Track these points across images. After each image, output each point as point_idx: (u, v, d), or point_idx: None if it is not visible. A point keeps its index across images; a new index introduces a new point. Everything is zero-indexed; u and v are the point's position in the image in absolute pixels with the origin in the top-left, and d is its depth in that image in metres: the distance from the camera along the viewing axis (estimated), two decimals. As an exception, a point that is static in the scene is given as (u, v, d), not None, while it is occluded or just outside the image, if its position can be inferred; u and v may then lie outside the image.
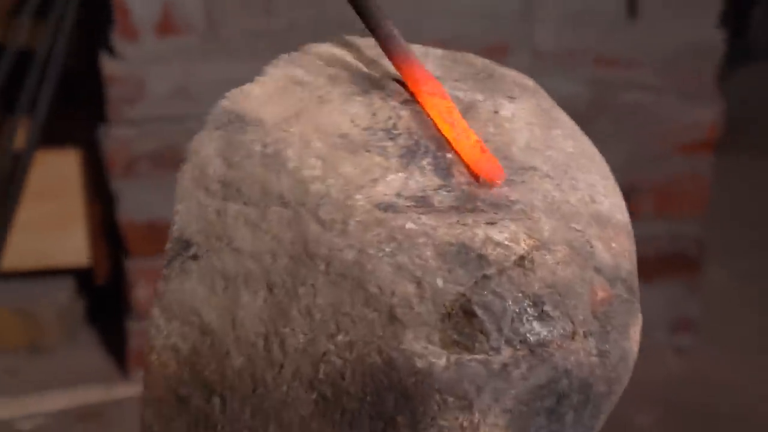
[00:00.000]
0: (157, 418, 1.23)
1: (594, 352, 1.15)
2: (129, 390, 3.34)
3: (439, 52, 1.41)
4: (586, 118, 3.01)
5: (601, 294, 1.17)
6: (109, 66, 3.19)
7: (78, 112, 3.39)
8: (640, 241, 3.47)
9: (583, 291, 1.16)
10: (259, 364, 1.17)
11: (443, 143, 1.24)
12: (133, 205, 3.28)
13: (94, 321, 3.62)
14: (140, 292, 3.34)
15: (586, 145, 1.33)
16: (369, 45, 1.38)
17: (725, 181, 3.63)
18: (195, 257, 1.22)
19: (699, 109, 3.41)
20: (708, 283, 3.63)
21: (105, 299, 3.58)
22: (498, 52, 3.17)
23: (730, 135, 3.56)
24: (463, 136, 1.23)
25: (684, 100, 3.40)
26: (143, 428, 1.25)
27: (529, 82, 1.39)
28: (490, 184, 1.20)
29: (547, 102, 1.37)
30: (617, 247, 1.23)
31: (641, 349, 3.22)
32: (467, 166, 1.22)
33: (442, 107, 1.26)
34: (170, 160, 3.24)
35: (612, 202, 1.28)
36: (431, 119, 1.26)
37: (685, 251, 3.52)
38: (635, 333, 1.21)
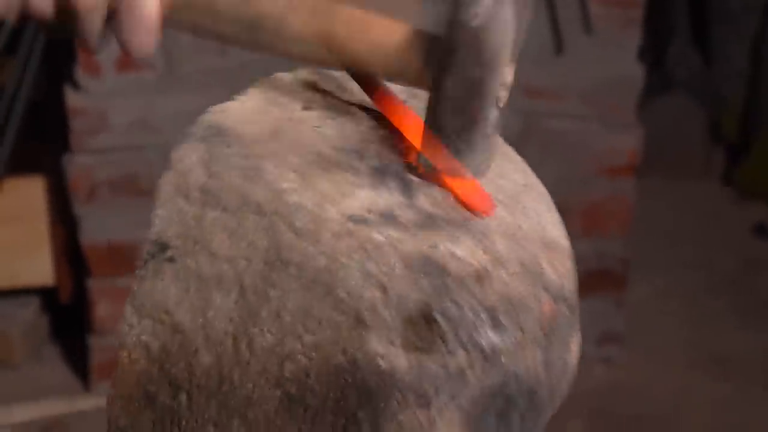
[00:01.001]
0: (125, 413, 1.23)
1: (540, 361, 1.20)
2: (91, 402, 3.22)
3: (396, 87, 1.37)
4: (518, 144, 3.09)
5: (547, 310, 1.21)
6: (72, 99, 3.23)
7: (43, 142, 3.40)
8: None
9: (533, 305, 1.20)
10: (227, 362, 1.19)
11: (409, 167, 1.26)
12: (95, 228, 3.30)
13: (58, 337, 3.62)
14: (102, 310, 3.34)
15: (533, 179, 1.36)
16: (336, 76, 1.38)
17: (646, 202, 3.67)
18: (171, 259, 1.22)
19: (620, 136, 3.47)
20: (632, 298, 3.67)
21: (68, 317, 3.57)
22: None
23: (649, 159, 3.61)
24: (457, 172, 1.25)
25: (607, 127, 3.45)
26: (110, 423, 1.25)
27: None
28: (482, 216, 1.23)
29: (498, 139, 1.34)
30: (562, 269, 1.27)
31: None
32: (460, 200, 1.24)
33: (432, 145, 1.26)
34: (130, 187, 3.27)
35: (558, 231, 1.31)
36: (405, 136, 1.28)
37: (611, 268, 3.55)
38: (575, 348, 1.25)
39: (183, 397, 1.20)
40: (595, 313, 3.57)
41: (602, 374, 3.59)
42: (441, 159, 1.25)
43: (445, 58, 1.18)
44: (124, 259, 3.34)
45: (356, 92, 1.36)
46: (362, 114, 1.33)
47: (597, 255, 3.55)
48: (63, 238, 3.47)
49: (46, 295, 3.60)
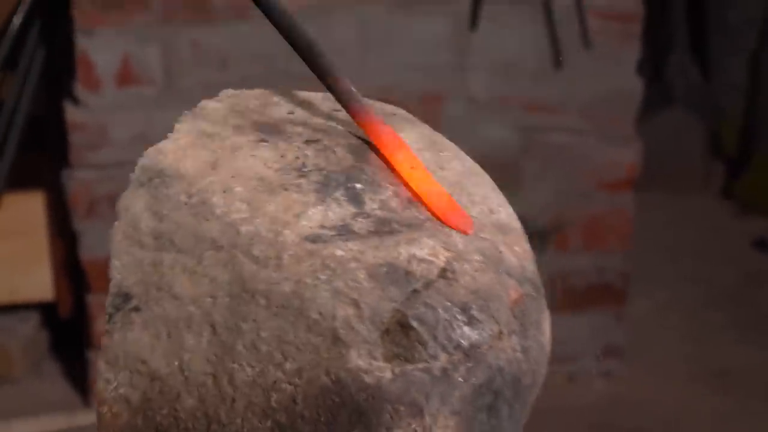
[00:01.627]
0: None
1: (518, 348, 1.22)
2: (91, 418, 3.27)
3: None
4: (517, 159, 3.09)
5: (514, 295, 1.23)
6: (72, 114, 3.24)
7: (43, 157, 3.41)
8: (569, 273, 3.57)
9: (502, 293, 1.21)
10: (211, 402, 1.18)
11: (353, 174, 1.27)
12: (95, 243, 3.28)
13: (58, 352, 3.62)
14: (101, 326, 3.32)
15: (470, 163, 1.38)
16: (257, 95, 1.40)
17: (645, 216, 3.67)
18: (136, 309, 1.20)
19: (619, 150, 3.47)
20: (632, 312, 3.66)
21: (68, 332, 3.57)
22: (434, 101, 3.29)
23: (649, 173, 3.62)
24: (433, 191, 1.27)
25: (606, 141, 3.45)
26: None
27: (407, 115, 1.42)
28: (463, 233, 1.24)
29: (428, 129, 1.39)
30: (519, 250, 1.28)
31: (571, 374, 3.33)
32: (440, 220, 1.25)
33: (408, 164, 1.28)
34: None
35: (507, 212, 1.33)
36: (400, 176, 1.28)
37: (611, 282, 3.54)
38: (546, 327, 1.28)
39: None
40: (596, 327, 3.60)
41: (602, 388, 3.60)
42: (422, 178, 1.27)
43: None
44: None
45: (279, 110, 1.37)
46: (293, 128, 1.34)
47: (597, 269, 3.56)
48: (63, 253, 3.47)
49: (46, 310, 3.60)
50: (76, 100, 3.26)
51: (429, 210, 1.25)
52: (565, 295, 3.40)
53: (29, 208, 3.46)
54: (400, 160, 1.28)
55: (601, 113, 3.46)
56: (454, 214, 1.25)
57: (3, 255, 3.43)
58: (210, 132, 1.31)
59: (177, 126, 1.32)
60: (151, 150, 1.28)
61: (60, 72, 3.37)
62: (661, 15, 4.49)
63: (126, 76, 3.26)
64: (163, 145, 1.29)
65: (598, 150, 3.48)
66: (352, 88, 1.31)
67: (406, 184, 1.27)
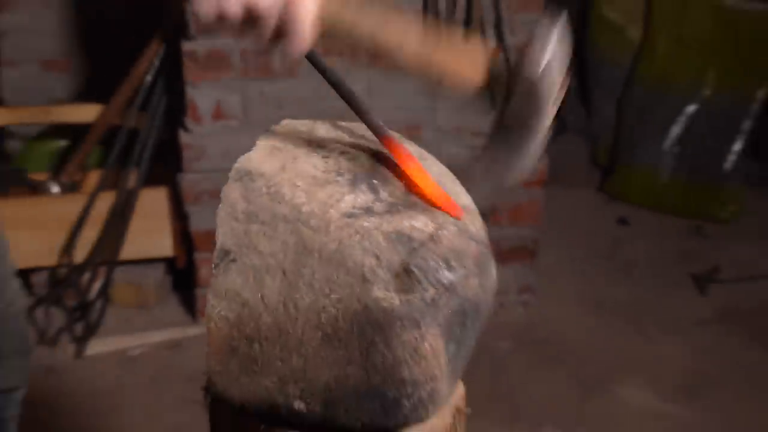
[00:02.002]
0: (217, 362, 1.25)
1: (478, 285, 1.25)
2: (196, 330, 3.35)
3: (348, 125, 1.40)
4: (466, 167, 3.08)
5: (475, 252, 1.25)
6: (184, 138, 3.23)
7: (166, 166, 3.37)
8: (501, 239, 3.50)
9: (468, 251, 1.24)
10: (282, 320, 1.21)
11: (371, 174, 1.27)
12: (199, 220, 3.30)
13: (176, 289, 3.61)
14: (203, 273, 3.33)
15: (443, 169, 1.38)
16: (305, 123, 1.40)
17: (549, 203, 3.63)
18: (233, 260, 1.24)
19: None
20: (540, 264, 3.64)
21: (183, 277, 3.55)
22: (414, 130, 3.26)
23: (552, 176, 3.56)
24: (432, 188, 1.26)
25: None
26: (209, 371, 1.26)
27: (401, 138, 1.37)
28: (456, 218, 1.24)
29: (415, 146, 1.38)
30: (477, 224, 1.30)
31: (502, 303, 3.29)
32: (438, 209, 1.24)
33: (416, 168, 1.27)
34: (220, 194, 3.26)
35: (467, 198, 1.34)
36: (408, 176, 1.27)
37: (527, 245, 3.53)
38: (493, 273, 1.29)
39: (256, 346, 1.23)
40: (517, 274, 3.56)
41: (521, 312, 3.58)
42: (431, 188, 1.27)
43: (507, 99, 1.20)
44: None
45: (324, 133, 1.37)
46: (333, 145, 1.33)
47: (519, 237, 3.53)
48: (179, 227, 3.44)
49: (169, 263, 3.59)
50: (186, 129, 3.24)
51: (431, 203, 1.25)
52: (498, 253, 3.38)
53: (158, 199, 3.41)
54: (411, 168, 1.28)
55: (521, 137, 3.40)
56: (449, 205, 1.26)
57: (142, 228, 3.38)
58: (279, 147, 1.33)
59: (258, 143, 1.34)
60: (242, 158, 1.30)
61: (176, 111, 3.33)
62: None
63: (218, 114, 3.22)
64: (249, 155, 1.31)
65: (519, 161, 3.43)
66: (380, 122, 1.31)
67: (416, 185, 1.27)
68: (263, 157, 1.30)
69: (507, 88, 1.18)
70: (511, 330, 3.41)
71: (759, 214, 4.35)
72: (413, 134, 3.17)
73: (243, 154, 3.44)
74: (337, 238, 1.20)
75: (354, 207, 1.23)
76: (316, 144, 1.34)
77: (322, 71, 1.27)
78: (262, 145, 1.33)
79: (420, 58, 1.20)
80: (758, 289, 3.75)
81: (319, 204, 1.23)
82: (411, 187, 1.27)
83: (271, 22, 1.13)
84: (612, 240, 4.18)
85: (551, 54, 1.16)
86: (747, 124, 4.33)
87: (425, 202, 1.26)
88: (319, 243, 1.20)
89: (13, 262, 1.69)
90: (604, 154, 4.65)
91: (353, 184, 1.27)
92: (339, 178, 1.27)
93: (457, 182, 1.37)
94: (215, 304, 1.24)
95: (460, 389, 1.35)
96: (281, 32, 1.14)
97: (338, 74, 1.28)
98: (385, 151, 1.31)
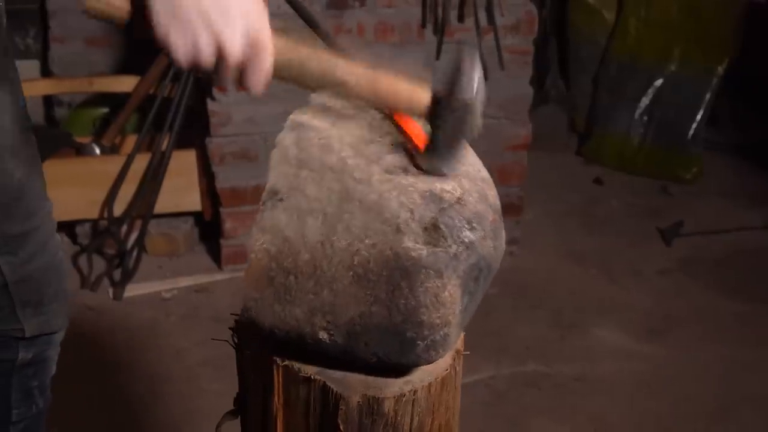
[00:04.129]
0: (254, 289, 1.22)
1: (492, 246, 1.24)
2: (222, 276, 3.35)
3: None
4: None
5: (491, 217, 1.25)
6: (211, 105, 3.20)
7: (195, 130, 3.37)
8: None
9: (487, 216, 1.23)
10: (318, 257, 1.19)
11: (405, 141, 1.27)
12: (224, 179, 3.28)
13: (204, 239, 3.59)
14: (228, 225, 3.32)
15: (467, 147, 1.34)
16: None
17: (532, 164, 3.62)
18: (281, 199, 1.21)
19: (519, 128, 3.42)
20: (525, 219, 3.64)
21: (209, 228, 3.54)
22: None
23: (535, 141, 3.57)
24: (414, 130, 1.26)
25: (511, 123, 3.40)
26: (245, 297, 1.23)
27: None
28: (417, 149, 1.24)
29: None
30: (494, 195, 1.30)
31: None
32: (413, 143, 1.25)
33: (406, 121, 1.26)
34: (243, 155, 3.24)
35: (485, 172, 1.33)
36: (401, 125, 1.28)
37: (513, 202, 3.50)
38: (503, 238, 1.29)
39: (292, 278, 1.19)
40: (504, 227, 3.51)
41: (508, 262, 3.42)
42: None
43: (446, 113, 1.19)
44: (240, 196, 3.31)
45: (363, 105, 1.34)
46: (378, 120, 1.32)
47: (505, 195, 3.45)
48: (206, 185, 3.42)
49: (197, 216, 3.57)
50: (213, 98, 3.21)
51: (408, 137, 1.26)
52: None
53: (188, 159, 3.39)
54: (408, 124, 1.27)
55: (509, 107, 3.40)
56: (417, 137, 1.25)
57: (174, 185, 3.37)
58: (329, 106, 1.32)
59: (311, 100, 1.33)
60: (296, 111, 1.29)
61: (205, 82, 3.30)
62: (542, 52, 4.45)
63: None
64: (302, 110, 1.30)
65: (507, 128, 3.42)
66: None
67: (408, 129, 1.27)
68: (315, 112, 1.30)
69: (444, 110, 1.19)
70: (499, 277, 3.25)
71: (718, 176, 4.35)
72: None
73: (263, 120, 3.38)
74: (378, 190, 1.19)
75: (394, 165, 1.22)
76: (359, 109, 1.33)
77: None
78: (314, 103, 1.32)
79: (366, 89, 1.20)
80: (717, 242, 3.76)
81: (364, 159, 1.22)
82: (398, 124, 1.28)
83: (237, 62, 1.12)
84: (588, 198, 4.17)
85: (479, 77, 1.20)
86: (708, 97, 4.35)
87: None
88: (361, 193, 1.19)
89: (54, 219, 1.68)
90: (581, 122, 4.65)
91: (393, 148, 1.26)
92: (381, 139, 1.27)
93: (475, 155, 1.36)
94: (259, 237, 1.21)
95: (461, 333, 1.34)
96: (245, 70, 1.13)
97: None
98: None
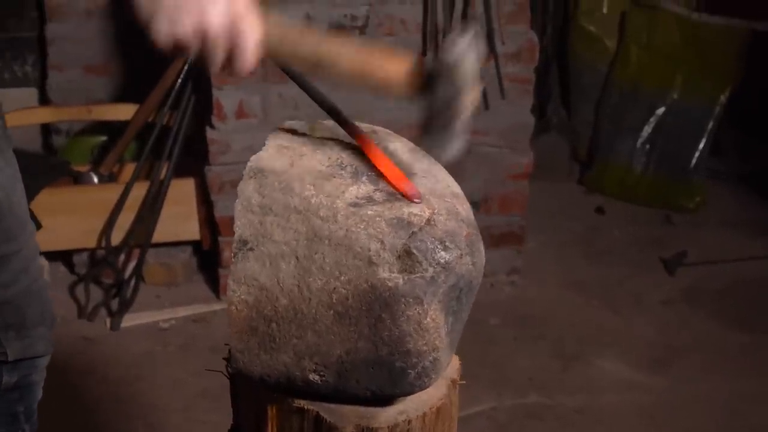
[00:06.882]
0: (239, 341, 1.24)
1: (470, 263, 1.23)
2: (220, 306, 3.32)
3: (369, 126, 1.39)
4: (462, 161, 3.07)
5: (466, 232, 1.24)
6: (210, 134, 3.22)
7: (194, 159, 3.37)
8: (491, 226, 3.48)
9: (461, 232, 1.23)
10: (296, 300, 1.20)
11: (370, 168, 1.27)
12: (222, 208, 3.27)
13: (202, 269, 3.58)
14: (227, 254, 3.27)
15: (433, 161, 1.35)
16: (302, 124, 1.39)
17: (534, 194, 3.61)
18: (251, 249, 1.23)
19: (520, 157, 3.42)
20: (527, 249, 3.63)
21: (208, 258, 3.54)
22: (415, 128, 3.25)
23: (537, 170, 3.57)
24: (393, 172, 1.26)
25: (513, 152, 3.40)
26: (231, 350, 1.26)
27: (390, 132, 1.40)
28: (411, 200, 1.23)
29: (408, 142, 1.38)
30: (466, 208, 1.29)
31: (492, 283, 3.28)
32: (397, 190, 1.24)
33: (378, 155, 1.28)
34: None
35: (455, 186, 1.33)
36: (373, 161, 1.27)
37: (515, 231, 3.51)
38: (482, 252, 1.27)
39: (274, 325, 1.21)
40: (505, 257, 3.53)
41: (510, 292, 3.55)
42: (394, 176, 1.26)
43: (431, 83, 1.18)
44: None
45: (324, 131, 1.36)
46: (333, 143, 1.32)
47: (507, 224, 3.51)
48: (205, 213, 3.42)
49: (195, 245, 3.56)
50: (212, 126, 3.22)
51: (390, 184, 1.25)
52: (489, 238, 3.37)
53: (186, 188, 3.40)
54: (376, 158, 1.28)
55: (511, 135, 3.40)
56: (407, 186, 1.25)
57: (172, 214, 3.38)
58: (285, 145, 1.31)
59: (267, 143, 1.32)
60: (254, 157, 1.30)
61: (204, 110, 3.32)
62: (544, 80, 4.45)
63: (241, 113, 3.21)
64: (260, 154, 1.30)
65: (508, 156, 3.42)
66: (357, 124, 1.33)
67: (380, 170, 1.27)
68: (273, 155, 1.29)
69: (433, 79, 1.18)
70: (500, 307, 3.39)
71: (721, 205, 4.33)
72: (414, 132, 3.15)
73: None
74: (345, 225, 1.19)
75: (357, 197, 1.22)
76: (318, 141, 1.33)
77: (290, 75, 1.30)
78: (271, 144, 1.32)
79: (355, 67, 1.21)
80: (720, 272, 3.74)
81: (326, 196, 1.22)
82: (376, 170, 1.27)
83: (221, 44, 1.14)
84: (590, 227, 4.16)
85: (466, 44, 1.17)
86: (710, 125, 4.34)
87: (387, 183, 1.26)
88: (329, 231, 1.19)
89: (37, 243, 1.68)
90: (583, 151, 4.64)
91: (355, 176, 1.26)
92: (342, 172, 1.26)
93: (445, 172, 1.35)
94: (235, 289, 1.23)
95: (456, 363, 1.35)
96: (230, 53, 1.15)
97: (305, 78, 1.31)
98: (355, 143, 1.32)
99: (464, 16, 3.21)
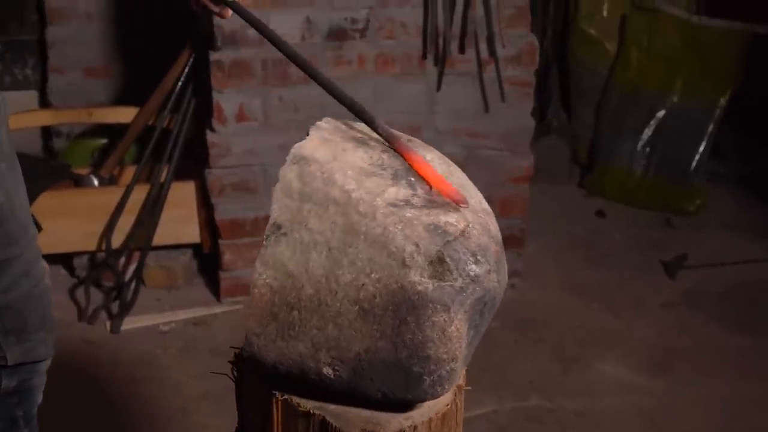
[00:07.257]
0: (257, 324, 1.23)
1: (496, 280, 1.24)
2: (220, 309, 3.34)
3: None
4: (462, 164, 3.10)
5: (495, 250, 1.26)
6: (211, 137, 3.21)
7: (195, 162, 3.37)
8: None
9: (491, 248, 1.24)
10: (322, 292, 1.20)
11: (409, 171, 1.27)
12: (223, 211, 3.27)
13: (202, 272, 3.57)
14: (227, 258, 3.31)
15: (465, 176, 1.38)
16: (341, 123, 1.39)
17: (535, 197, 3.62)
18: (284, 234, 1.23)
19: (520, 160, 3.42)
20: (527, 251, 3.64)
21: (208, 261, 3.53)
22: (415, 131, 3.20)
23: (537, 173, 3.57)
24: (438, 180, 1.27)
25: (513, 155, 3.40)
26: (248, 332, 1.24)
27: (422, 142, 1.40)
28: (461, 206, 1.24)
29: (438, 152, 1.40)
30: (495, 226, 1.31)
31: None
32: (444, 195, 1.25)
33: (423, 163, 1.29)
34: (242, 187, 3.25)
35: (485, 203, 1.34)
36: (415, 167, 1.28)
37: (515, 234, 3.50)
38: (505, 269, 1.30)
39: (295, 313, 1.21)
40: (506, 260, 3.51)
41: (510, 295, 3.39)
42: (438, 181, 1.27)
43: None
44: (239, 228, 3.31)
45: (366, 130, 1.37)
46: (374, 142, 1.33)
47: (507, 227, 3.46)
48: (205, 216, 3.42)
49: (196, 248, 3.56)
50: (213, 129, 3.22)
51: (438, 188, 1.26)
52: None
53: (187, 191, 3.40)
54: (419, 164, 1.29)
55: (511, 138, 3.41)
56: (454, 194, 1.26)
57: (173, 217, 3.38)
58: (329, 138, 1.32)
59: (310, 133, 1.33)
60: (297, 144, 1.29)
61: (204, 113, 3.32)
62: (544, 83, 4.46)
63: (241, 116, 3.20)
64: (303, 142, 1.30)
65: (509, 160, 3.42)
66: (388, 127, 1.34)
67: (426, 177, 1.28)
68: (316, 145, 1.30)
69: None
70: (500, 311, 3.24)
71: (721, 208, 4.34)
72: (414, 135, 3.16)
73: (262, 152, 3.39)
74: (383, 224, 1.19)
75: (397, 198, 1.23)
76: (360, 139, 1.34)
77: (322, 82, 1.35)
78: (314, 135, 1.32)
79: None
80: (721, 275, 3.74)
81: (366, 192, 1.22)
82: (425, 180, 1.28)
83: None
84: (590, 230, 4.16)
85: None
86: (710, 128, 4.35)
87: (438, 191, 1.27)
88: (366, 227, 1.20)
89: (39, 247, 1.67)
90: (583, 154, 4.65)
91: (395, 178, 1.26)
92: (383, 172, 1.27)
93: (475, 188, 1.38)
94: (262, 272, 1.23)
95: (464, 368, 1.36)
96: None
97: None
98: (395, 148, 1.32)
99: (464, 19, 3.21)
